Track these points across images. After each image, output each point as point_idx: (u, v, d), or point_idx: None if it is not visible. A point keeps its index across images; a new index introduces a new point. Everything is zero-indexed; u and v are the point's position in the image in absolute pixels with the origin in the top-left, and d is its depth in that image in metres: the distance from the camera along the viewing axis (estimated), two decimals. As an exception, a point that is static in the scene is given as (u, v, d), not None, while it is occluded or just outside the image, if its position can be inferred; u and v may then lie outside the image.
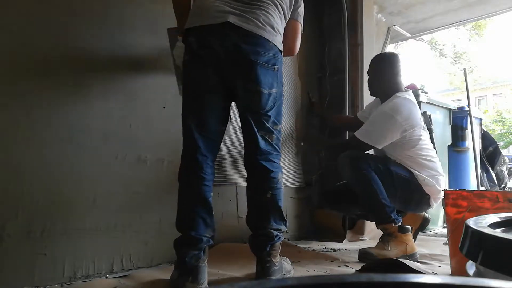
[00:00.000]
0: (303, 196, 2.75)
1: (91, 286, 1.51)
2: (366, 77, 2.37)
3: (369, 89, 2.34)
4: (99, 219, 1.67)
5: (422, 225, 2.33)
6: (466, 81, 3.49)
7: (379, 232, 2.16)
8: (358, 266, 1.82)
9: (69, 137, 1.61)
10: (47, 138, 1.55)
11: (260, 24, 1.42)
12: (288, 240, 2.45)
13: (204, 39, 1.40)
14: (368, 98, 2.99)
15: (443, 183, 2.17)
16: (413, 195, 2.09)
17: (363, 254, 1.97)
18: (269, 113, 1.51)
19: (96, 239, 1.65)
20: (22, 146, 1.49)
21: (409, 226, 2.07)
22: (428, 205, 2.13)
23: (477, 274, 0.55)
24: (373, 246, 2.06)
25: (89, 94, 1.69)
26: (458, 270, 1.60)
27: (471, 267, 0.59)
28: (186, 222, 1.46)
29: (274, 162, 1.55)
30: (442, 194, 1.99)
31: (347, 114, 2.90)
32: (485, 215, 0.67)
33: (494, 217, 0.66)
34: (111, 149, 1.73)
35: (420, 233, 2.85)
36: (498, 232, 0.56)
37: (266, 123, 1.51)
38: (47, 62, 1.57)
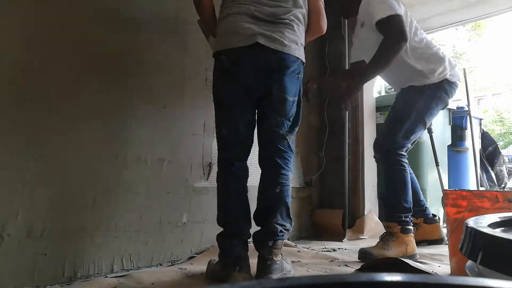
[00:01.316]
0: (303, 196, 2.75)
1: (91, 286, 1.51)
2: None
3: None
4: (99, 219, 1.67)
5: (436, 241, 2.33)
6: (465, 81, 3.48)
7: (379, 231, 2.16)
8: (358, 266, 1.82)
9: (69, 137, 1.61)
10: (47, 138, 1.55)
11: (286, 43, 1.55)
12: (288, 240, 2.45)
13: (235, 59, 1.54)
14: (368, 98, 2.99)
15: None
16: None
17: (363, 254, 1.97)
18: (290, 118, 1.64)
19: (96, 239, 1.65)
20: (22, 146, 1.49)
21: (411, 227, 2.04)
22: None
23: (477, 274, 0.55)
24: (373, 245, 2.05)
25: (89, 94, 1.69)
26: (458, 270, 1.60)
27: (471, 267, 0.59)
28: (227, 217, 1.60)
29: (288, 160, 1.66)
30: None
31: (347, 114, 2.91)
32: (485, 215, 0.67)
33: (494, 217, 0.66)
34: (111, 149, 1.73)
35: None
36: (497, 232, 0.57)
37: (286, 126, 1.63)
38: (47, 61, 1.57)
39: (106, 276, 1.64)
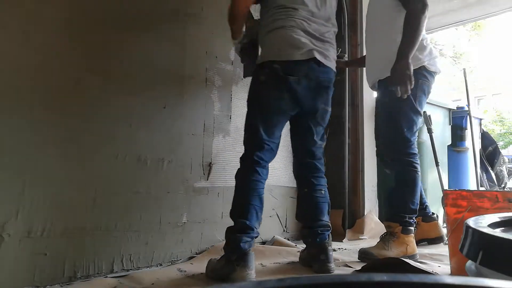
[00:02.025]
0: (303, 196, 2.75)
1: (91, 286, 1.51)
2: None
3: None
4: (99, 219, 1.67)
5: (435, 239, 2.33)
6: (465, 81, 3.49)
7: (379, 231, 2.16)
8: (358, 266, 1.82)
9: (69, 137, 1.61)
10: (47, 138, 1.55)
11: (331, 59, 1.75)
12: (289, 240, 2.45)
13: (290, 70, 1.63)
14: (367, 98, 2.99)
15: None
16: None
17: (363, 254, 1.97)
18: (325, 126, 1.86)
19: (96, 239, 1.65)
20: (23, 146, 1.49)
21: (412, 228, 2.04)
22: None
23: (477, 274, 0.55)
24: (373, 245, 2.05)
25: (89, 94, 1.69)
26: (458, 270, 1.60)
27: (471, 267, 0.59)
28: (242, 212, 1.63)
29: (323, 165, 1.88)
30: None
31: (347, 114, 2.91)
32: (485, 215, 0.67)
33: (494, 217, 0.66)
34: (111, 149, 1.73)
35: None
36: (498, 232, 0.57)
37: (323, 133, 1.86)
38: (46, 61, 1.57)
39: (106, 276, 1.64)
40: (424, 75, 2.02)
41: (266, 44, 1.68)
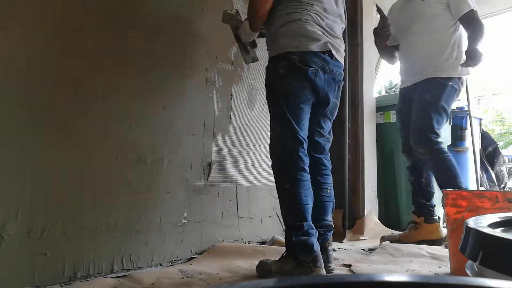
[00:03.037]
0: (303, 196, 2.75)
1: (91, 286, 1.51)
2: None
3: None
4: (99, 219, 1.67)
5: (435, 241, 2.35)
6: (466, 81, 3.48)
7: (379, 232, 2.17)
8: (358, 266, 1.82)
9: (69, 137, 1.61)
10: (47, 138, 1.55)
11: (343, 54, 1.81)
12: (288, 240, 2.45)
13: (307, 60, 1.64)
14: (368, 99, 2.99)
15: None
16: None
17: (388, 238, 2.31)
18: (332, 120, 1.88)
19: (96, 239, 1.65)
20: (23, 146, 1.49)
21: (436, 217, 2.33)
22: None
23: (477, 274, 0.55)
24: (374, 245, 2.06)
25: (89, 94, 1.69)
26: (458, 270, 1.60)
27: (471, 267, 0.59)
28: (301, 215, 1.59)
29: (330, 161, 1.87)
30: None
31: (347, 114, 2.91)
32: (485, 215, 0.67)
33: (494, 217, 0.66)
34: (111, 149, 1.73)
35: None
36: (498, 232, 0.57)
37: (331, 128, 1.87)
38: (47, 61, 1.57)
39: (106, 276, 1.64)
40: (458, 84, 2.35)
41: (281, 36, 1.66)
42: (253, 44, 1.91)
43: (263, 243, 2.35)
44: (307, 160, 1.66)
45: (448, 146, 3.36)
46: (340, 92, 1.84)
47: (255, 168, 2.41)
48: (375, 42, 2.56)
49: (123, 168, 1.76)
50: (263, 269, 1.65)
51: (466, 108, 3.41)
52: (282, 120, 1.66)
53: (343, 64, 1.82)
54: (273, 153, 1.70)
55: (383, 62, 3.88)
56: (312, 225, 1.62)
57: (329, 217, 1.79)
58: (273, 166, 1.71)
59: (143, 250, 1.81)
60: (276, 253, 2.04)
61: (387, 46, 2.54)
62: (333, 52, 1.69)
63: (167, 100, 1.96)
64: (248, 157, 2.36)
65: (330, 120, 1.85)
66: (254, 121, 2.43)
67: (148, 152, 1.86)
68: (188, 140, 2.05)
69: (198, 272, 1.70)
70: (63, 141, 1.59)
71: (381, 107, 3.19)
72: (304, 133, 1.67)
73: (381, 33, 2.42)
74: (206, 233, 2.08)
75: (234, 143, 2.28)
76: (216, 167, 2.17)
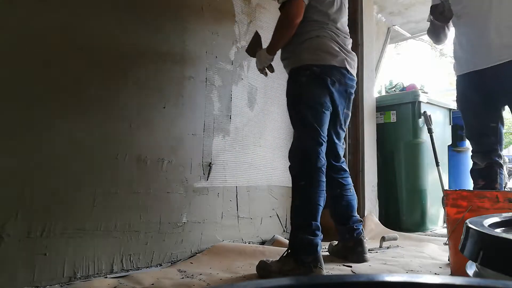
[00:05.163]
0: (303, 196, 2.75)
1: (91, 286, 1.51)
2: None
3: None
4: (99, 219, 1.67)
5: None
6: (466, 81, 3.47)
7: (379, 232, 2.17)
8: (358, 266, 1.82)
9: (69, 136, 1.61)
10: (47, 138, 1.55)
11: (356, 68, 1.94)
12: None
13: (327, 73, 1.79)
14: (368, 98, 2.99)
15: None
16: None
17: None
18: (345, 130, 2.03)
19: (96, 239, 1.65)
20: (23, 146, 1.49)
21: None
22: None
23: (477, 274, 0.55)
24: (374, 245, 2.06)
25: (89, 94, 1.69)
26: (458, 270, 1.60)
27: (471, 267, 0.59)
28: (311, 214, 1.68)
29: (346, 165, 2.05)
30: None
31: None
32: (485, 215, 0.67)
33: (494, 217, 0.66)
34: (111, 149, 1.73)
35: (420, 233, 2.86)
36: (498, 232, 0.56)
37: (343, 137, 2.02)
38: (47, 61, 1.57)
39: (106, 276, 1.64)
40: None
41: (302, 51, 1.81)
42: (271, 69, 1.99)
43: (263, 243, 2.35)
44: (325, 162, 1.76)
45: (448, 146, 3.36)
46: (352, 103, 1.98)
47: (255, 168, 2.41)
48: (434, 27, 2.22)
49: (123, 168, 1.76)
50: (264, 269, 1.66)
51: (466, 108, 3.40)
52: (304, 123, 1.77)
53: (356, 77, 1.95)
54: (292, 154, 1.78)
55: (383, 62, 3.88)
56: (320, 226, 1.69)
57: (356, 212, 2.01)
58: (291, 168, 1.78)
59: (143, 250, 1.81)
60: (276, 253, 2.04)
61: (445, 26, 2.17)
62: (348, 67, 1.85)
63: (167, 100, 1.96)
64: (248, 157, 2.36)
65: (343, 130, 2.00)
66: (254, 121, 2.43)
67: (148, 152, 1.86)
68: (188, 140, 2.05)
69: (198, 272, 1.70)
70: (63, 141, 1.59)
71: (381, 107, 3.19)
72: (324, 136, 1.78)
73: (445, 15, 2.02)
74: (206, 233, 2.08)
75: (234, 143, 2.28)
76: (216, 167, 2.17)
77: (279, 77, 2.16)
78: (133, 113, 1.82)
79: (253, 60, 2.45)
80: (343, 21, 1.94)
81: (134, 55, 1.85)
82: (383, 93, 3.75)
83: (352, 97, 1.96)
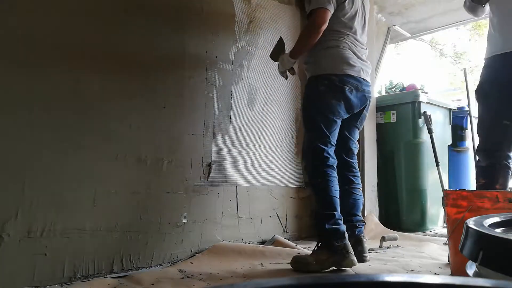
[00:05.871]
0: (303, 196, 2.75)
1: (91, 286, 1.51)
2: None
3: None
4: (99, 219, 1.67)
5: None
6: (466, 81, 3.48)
7: (379, 232, 2.16)
8: (358, 266, 1.82)
9: (69, 137, 1.61)
10: (47, 138, 1.55)
11: (369, 75, 2.05)
12: (289, 240, 2.45)
13: (345, 81, 1.90)
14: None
15: None
16: None
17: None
18: (360, 130, 2.16)
19: (96, 239, 1.65)
20: (22, 146, 1.49)
21: None
22: None
23: (477, 274, 0.55)
24: (374, 245, 2.06)
25: (88, 94, 1.69)
26: (458, 270, 1.60)
27: (471, 267, 0.59)
28: (331, 205, 1.80)
29: (357, 165, 2.14)
30: None
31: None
32: (485, 215, 0.67)
33: (494, 217, 0.66)
34: (111, 149, 1.73)
35: (420, 233, 2.86)
36: (498, 232, 0.56)
37: (358, 137, 2.14)
38: (46, 60, 1.57)
39: (106, 276, 1.64)
40: None
41: (322, 59, 1.93)
42: (292, 71, 2.06)
43: (263, 243, 2.35)
44: (335, 161, 1.89)
45: (448, 146, 3.36)
46: (369, 104, 2.10)
47: (255, 168, 2.40)
48: (471, 4, 2.19)
49: (123, 168, 1.76)
50: (299, 263, 1.77)
51: (467, 108, 3.40)
52: (315, 127, 1.89)
53: (370, 83, 2.08)
54: (305, 156, 1.93)
55: (383, 62, 3.88)
56: (342, 216, 1.81)
57: (360, 213, 2.06)
58: (305, 168, 1.95)
59: (143, 250, 1.81)
60: (276, 253, 2.04)
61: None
62: (364, 76, 1.98)
63: (167, 100, 1.96)
64: (248, 157, 2.36)
65: (359, 130, 2.14)
66: (254, 121, 2.43)
67: (148, 152, 1.86)
68: (188, 140, 2.05)
69: (198, 272, 1.70)
70: (63, 141, 1.59)
71: (381, 107, 3.19)
72: (333, 140, 1.91)
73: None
74: (206, 233, 2.08)
75: (234, 143, 2.28)
76: (216, 167, 2.17)
77: (279, 77, 2.16)
78: (133, 113, 1.82)
79: (253, 60, 2.46)
80: (363, 32, 2.06)
81: (134, 55, 1.85)
82: (383, 93, 3.75)
83: (370, 99, 2.08)
